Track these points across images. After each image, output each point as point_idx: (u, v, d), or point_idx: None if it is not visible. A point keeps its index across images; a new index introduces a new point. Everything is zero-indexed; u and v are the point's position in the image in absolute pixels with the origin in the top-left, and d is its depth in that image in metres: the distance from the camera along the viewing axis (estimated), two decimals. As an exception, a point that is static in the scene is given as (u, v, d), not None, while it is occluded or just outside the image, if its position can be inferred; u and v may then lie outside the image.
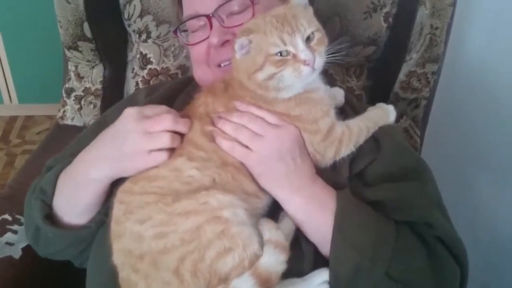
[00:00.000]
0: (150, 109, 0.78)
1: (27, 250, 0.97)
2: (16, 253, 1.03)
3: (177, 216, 0.69)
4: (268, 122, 0.76)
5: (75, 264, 0.93)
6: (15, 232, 1.06)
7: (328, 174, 0.80)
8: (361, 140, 0.80)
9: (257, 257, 0.68)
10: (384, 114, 0.86)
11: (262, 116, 0.76)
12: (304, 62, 0.71)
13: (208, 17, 0.85)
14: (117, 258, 0.73)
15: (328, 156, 0.79)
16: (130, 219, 0.71)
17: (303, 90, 0.76)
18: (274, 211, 0.78)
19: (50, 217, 0.85)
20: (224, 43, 0.85)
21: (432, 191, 0.83)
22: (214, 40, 0.85)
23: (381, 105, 0.88)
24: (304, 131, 0.77)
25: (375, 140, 0.84)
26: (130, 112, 0.77)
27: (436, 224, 0.77)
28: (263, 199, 0.77)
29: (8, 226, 1.07)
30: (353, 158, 0.82)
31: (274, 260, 0.68)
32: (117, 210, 0.75)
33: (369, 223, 0.74)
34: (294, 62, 0.72)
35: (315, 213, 0.75)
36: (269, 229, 0.71)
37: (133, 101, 0.99)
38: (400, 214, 0.77)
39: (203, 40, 0.88)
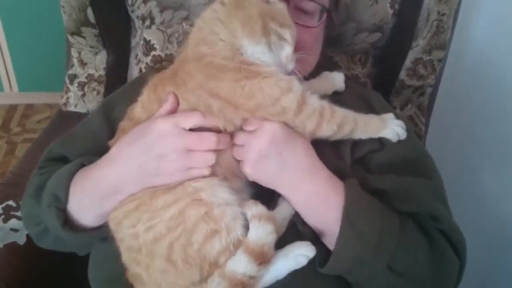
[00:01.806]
0: (185, 119, 0.72)
1: (32, 236, 0.97)
2: (21, 239, 1.03)
3: (160, 210, 0.70)
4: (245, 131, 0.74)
5: (79, 254, 0.93)
6: (19, 218, 1.06)
7: (332, 161, 0.79)
8: (347, 128, 0.76)
9: (240, 242, 0.69)
10: (380, 123, 0.81)
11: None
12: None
13: None
14: (124, 256, 0.75)
15: (308, 130, 0.74)
16: (123, 227, 0.74)
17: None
18: (271, 195, 0.78)
19: (66, 222, 0.82)
20: None
21: (438, 185, 0.83)
22: None
23: (386, 116, 0.84)
24: (271, 117, 0.73)
25: None
26: (166, 128, 0.71)
27: (441, 217, 0.77)
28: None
29: (12, 212, 1.07)
30: (355, 143, 0.82)
31: (262, 232, 0.68)
32: (111, 224, 0.76)
33: (375, 215, 0.74)
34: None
35: (318, 208, 0.75)
36: (249, 207, 0.71)
37: (141, 85, 0.96)
38: (405, 205, 0.77)
39: None
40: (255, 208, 0.71)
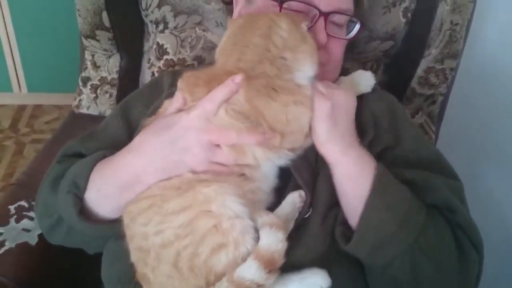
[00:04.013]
0: (209, 104, 0.73)
1: (43, 236, 0.97)
2: (33, 240, 1.03)
3: (170, 215, 0.70)
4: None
5: (89, 252, 0.94)
6: (31, 218, 1.07)
7: None
8: None
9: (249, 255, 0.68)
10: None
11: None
12: None
13: (321, 13, 0.85)
14: (133, 256, 0.76)
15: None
16: (136, 224, 0.74)
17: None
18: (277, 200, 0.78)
19: (81, 211, 0.82)
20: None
21: (458, 186, 0.83)
22: (321, 39, 0.85)
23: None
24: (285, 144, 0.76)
25: (394, 129, 0.87)
26: (190, 121, 0.73)
27: (458, 210, 0.77)
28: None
29: (24, 213, 1.08)
30: (371, 141, 0.83)
31: (273, 239, 0.68)
32: (125, 218, 0.77)
33: (404, 192, 0.75)
34: None
35: (361, 173, 0.76)
36: (260, 215, 0.71)
37: (157, 87, 0.99)
38: (427, 197, 0.78)
39: None
40: (266, 217, 0.71)
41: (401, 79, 1.25)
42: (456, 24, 1.13)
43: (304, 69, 0.77)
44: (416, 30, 1.17)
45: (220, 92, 0.72)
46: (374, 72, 1.26)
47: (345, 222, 0.77)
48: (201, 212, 0.69)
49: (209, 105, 0.72)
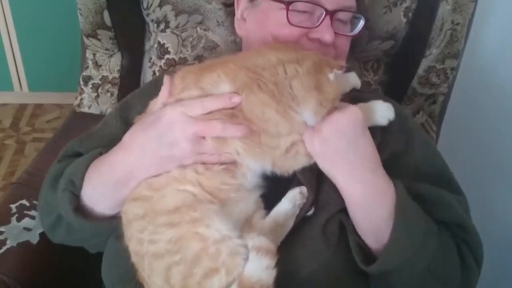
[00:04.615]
0: (191, 108, 0.73)
1: (44, 235, 0.98)
2: (34, 238, 1.03)
3: (161, 226, 0.71)
4: None
5: (90, 251, 0.94)
6: (32, 217, 1.07)
7: None
8: None
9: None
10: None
11: None
12: None
13: (327, 12, 0.86)
14: (133, 258, 0.76)
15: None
16: (132, 228, 0.75)
17: None
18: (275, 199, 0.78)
19: (78, 208, 0.83)
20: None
21: (467, 203, 0.84)
22: (329, 37, 0.85)
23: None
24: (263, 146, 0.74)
25: (404, 133, 0.86)
26: (174, 116, 0.74)
27: (470, 230, 0.79)
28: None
29: (26, 212, 1.08)
30: (378, 146, 0.81)
31: (257, 266, 0.65)
32: (123, 218, 0.78)
33: (420, 215, 0.76)
34: None
35: (375, 201, 0.74)
36: (251, 238, 0.69)
37: (157, 87, 0.97)
38: (437, 213, 0.78)
39: (303, 27, 0.87)
40: (257, 240, 0.68)
41: (402, 79, 1.25)
42: (457, 24, 1.13)
43: (304, 109, 0.73)
44: (417, 30, 1.18)
45: (213, 102, 0.73)
46: (375, 71, 1.27)
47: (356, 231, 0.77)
48: (190, 232, 0.69)
49: (197, 110, 0.73)
